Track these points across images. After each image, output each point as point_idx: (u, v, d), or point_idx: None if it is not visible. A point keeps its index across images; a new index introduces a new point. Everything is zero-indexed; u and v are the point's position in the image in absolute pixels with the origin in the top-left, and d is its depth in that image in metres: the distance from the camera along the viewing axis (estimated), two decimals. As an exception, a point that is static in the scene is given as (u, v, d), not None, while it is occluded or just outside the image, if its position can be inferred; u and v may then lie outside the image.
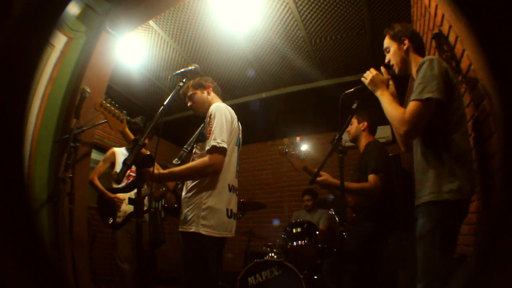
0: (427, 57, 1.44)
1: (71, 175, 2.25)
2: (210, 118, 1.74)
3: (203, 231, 1.63)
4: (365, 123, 2.47)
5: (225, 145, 1.67)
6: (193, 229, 1.64)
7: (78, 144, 2.30)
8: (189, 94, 1.97)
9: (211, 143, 1.66)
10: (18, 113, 0.75)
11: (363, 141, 2.46)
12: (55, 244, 2.26)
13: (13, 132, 0.74)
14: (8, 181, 0.71)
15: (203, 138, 1.79)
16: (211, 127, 1.70)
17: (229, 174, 1.78)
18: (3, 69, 0.71)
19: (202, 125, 1.90)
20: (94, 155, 3.41)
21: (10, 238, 0.69)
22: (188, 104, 1.99)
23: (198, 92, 1.96)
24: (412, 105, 1.39)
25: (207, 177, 1.70)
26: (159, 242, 2.89)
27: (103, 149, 4.31)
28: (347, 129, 2.50)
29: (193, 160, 1.82)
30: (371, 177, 2.17)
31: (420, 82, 1.40)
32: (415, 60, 1.57)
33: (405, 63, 1.59)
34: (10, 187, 0.71)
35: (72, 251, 2.27)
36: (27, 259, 0.70)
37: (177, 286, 4.33)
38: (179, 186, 1.91)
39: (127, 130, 1.77)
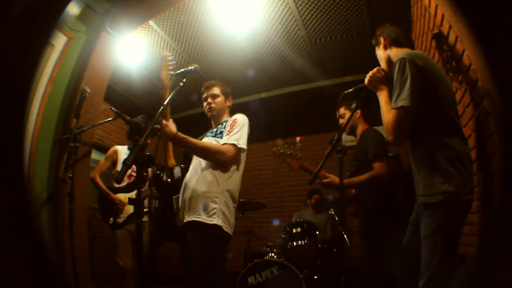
0: (398, 57, 1.42)
1: (71, 175, 2.25)
2: (234, 122, 1.83)
3: (224, 227, 1.65)
4: (358, 111, 2.41)
5: (244, 146, 1.78)
6: (215, 221, 1.63)
7: (78, 144, 2.30)
8: (214, 93, 1.98)
9: (232, 140, 1.74)
10: (18, 113, 0.75)
11: (359, 130, 2.42)
12: (55, 244, 2.26)
13: (13, 132, 0.74)
14: (8, 181, 0.71)
15: (220, 136, 1.84)
16: (233, 129, 1.79)
17: (239, 179, 1.86)
18: (3, 69, 0.71)
19: (218, 126, 1.93)
20: (94, 155, 3.41)
21: (10, 238, 0.69)
22: (208, 100, 1.98)
23: (223, 98, 2.00)
24: (391, 114, 1.42)
25: (213, 163, 1.74)
26: (159, 242, 2.89)
27: (103, 149, 4.31)
28: (340, 123, 2.43)
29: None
30: (376, 164, 2.14)
31: (394, 88, 1.41)
32: (394, 55, 1.57)
33: (388, 62, 1.61)
34: (10, 187, 0.71)
35: (72, 251, 2.27)
36: (27, 259, 0.70)
37: (177, 286, 4.33)
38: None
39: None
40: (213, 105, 1.96)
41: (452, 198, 1.29)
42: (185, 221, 1.68)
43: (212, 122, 2.04)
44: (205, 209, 1.65)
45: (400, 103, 1.36)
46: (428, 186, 1.35)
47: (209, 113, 2.00)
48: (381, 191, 2.25)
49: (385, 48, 1.61)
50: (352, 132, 2.48)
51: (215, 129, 1.91)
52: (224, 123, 1.91)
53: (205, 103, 2.00)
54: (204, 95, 2.01)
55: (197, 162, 1.83)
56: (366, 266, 2.19)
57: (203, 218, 1.63)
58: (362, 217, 2.37)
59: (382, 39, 1.62)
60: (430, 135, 1.38)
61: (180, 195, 1.80)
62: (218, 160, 1.72)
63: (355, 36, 3.51)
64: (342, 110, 2.41)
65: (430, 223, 1.33)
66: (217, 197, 1.69)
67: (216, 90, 1.99)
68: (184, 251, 1.70)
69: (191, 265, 1.61)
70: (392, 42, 1.59)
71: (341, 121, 2.39)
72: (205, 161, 1.79)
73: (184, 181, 1.83)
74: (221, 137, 1.81)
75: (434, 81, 1.38)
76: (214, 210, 1.65)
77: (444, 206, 1.30)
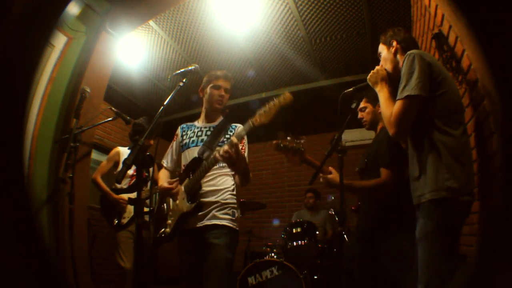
0: (408, 52, 1.42)
1: (71, 175, 2.25)
2: (243, 140, 1.83)
3: None
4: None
5: None
6: (237, 228, 1.76)
7: (78, 144, 2.30)
8: (229, 88, 1.92)
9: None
10: (18, 113, 0.75)
11: (379, 126, 2.26)
12: (55, 244, 2.26)
13: (13, 132, 0.74)
14: (8, 181, 0.71)
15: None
16: (243, 145, 1.83)
17: None
18: (3, 69, 0.71)
19: (223, 132, 1.89)
20: (94, 155, 3.41)
21: (10, 238, 0.69)
22: (222, 93, 1.90)
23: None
24: (396, 106, 1.40)
25: (246, 183, 1.79)
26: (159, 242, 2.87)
27: (103, 149, 4.31)
28: (359, 117, 2.34)
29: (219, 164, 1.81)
30: (384, 172, 2.04)
31: (401, 80, 1.40)
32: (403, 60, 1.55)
33: (395, 67, 1.58)
34: (10, 187, 0.71)
35: (72, 251, 2.27)
36: (27, 259, 0.70)
37: (177, 286, 4.33)
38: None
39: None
40: (224, 100, 1.91)
41: (453, 195, 1.27)
42: (206, 224, 1.70)
43: (205, 113, 1.97)
44: (233, 215, 1.75)
45: (406, 93, 1.35)
46: (431, 183, 1.33)
47: (217, 106, 1.91)
48: (390, 196, 2.19)
49: (396, 53, 1.59)
50: (373, 127, 2.31)
51: (224, 139, 1.85)
52: (229, 131, 1.88)
53: (216, 92, 1.88)
54: (219, 84, 1.88)
55: (216, 171, 1.80)
56: (367, 267, 2.17)
57: (231, 223, 1.73)
58: (363, 216, 2.34)
59: (395, 43, 1.59)
60: (436, 132, 1.36)
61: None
62: (248, 182, 1.78)
63: (355, 36, 3.51)
64: (363, 103, 2.27)
65: (427, 222, 1.31)
66: (237, 206, 1.81)
67: (230, 85, 1.92)
68: (194, 252, 1.72)
69: (208, 264, 1.64)
70: (405, 49, 1.56)
71: (360, 114, 2.27)
72: (225, 172, 1.81)
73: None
74: None
75: (440, 79, 1.38)
76: (236, 217, 1.78)
77: (442, 205, 1.28)
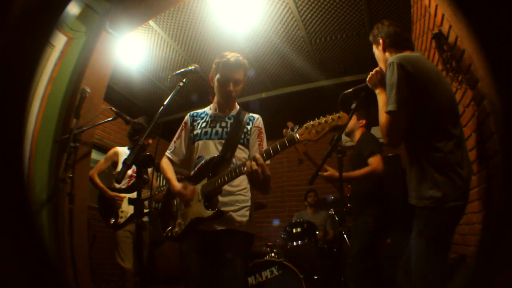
0: (388, 61, 1.41)
1: (71, 175, 2.26)
2: (260, 130, 1.77)
3: None
4: (364, 121, 2.49)
5: None
6: (254, 232, 1.66)
7: (78, 144, 2.31)
8: (238, 78, 1.68)
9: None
10: (18, 113, 0.75)
11: (357, 135, 2.50)
12: (55, 244, 2.26)
13: (13, 132, 0.74)
14: (8, 181, 0.71)
15: (246, 143, 1.72)
16: (261, 140, 1.76)
17: None
18: (3, 69, 0.71)
19: (235, 122, 1.72)
20: (94, 155, 3.41)
21: (10, 239, 0.69)
22: (229, 88, 1.68)
23: (244, 83, 1.74)
24: (384, 118, 1.41)
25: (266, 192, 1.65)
26: (159, 242, 2.88)
27: (103, 149, 4.31)
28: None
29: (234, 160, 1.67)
30: (371, 159, 2.20)
31: (386, 90, 1.42)
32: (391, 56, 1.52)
33: (385, 62, 1.55)
34: (10, 187, 0.71)
35: (72, 251, 2.27)
36: (27, 259, 0.70)
37: (177, 286, 4.33)
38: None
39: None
40: (233, 94, 1.70)
41: (437, 204, 1.27)
42: (225, 228, 1.57)
43: (217, 102, 1.78)
44: (251, 217, 1.64)
45: (388, 108, 1.37)
46: (416, 190, 1.35)
47: (226, 100, 1.75)
48: (373, 189, 2.28)
49: (384, 50, 1.57)
50: (350, 135, 2.54)
51: (243, 136, 1.71)
52: (247, 125, 1.73)
53: (223, 86, 1.68)
54: (227, 76, 1.66)
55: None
56: (353, 264, 2.20)
57: (249, 228, 1.62)
58: (354, 216, 2.39)
59: (381, 40, 1.56)
60: (421, 140, 1.37)
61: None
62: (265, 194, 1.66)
63: (355, 36, 3.51)
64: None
65: (415, 226, 1.35)
66: (252, 206, 1.70)
67: (241, 74, 1.68)
68: (207, 253, 1.58)
69: (227, 269, 1.52)
70: (391, 44, 1.54)
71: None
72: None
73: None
74: (248, 147, 1.72)
75: (425, 85, 1.35)
76: (253, 219, 1.67)
77: (427, 211, 1.29)
